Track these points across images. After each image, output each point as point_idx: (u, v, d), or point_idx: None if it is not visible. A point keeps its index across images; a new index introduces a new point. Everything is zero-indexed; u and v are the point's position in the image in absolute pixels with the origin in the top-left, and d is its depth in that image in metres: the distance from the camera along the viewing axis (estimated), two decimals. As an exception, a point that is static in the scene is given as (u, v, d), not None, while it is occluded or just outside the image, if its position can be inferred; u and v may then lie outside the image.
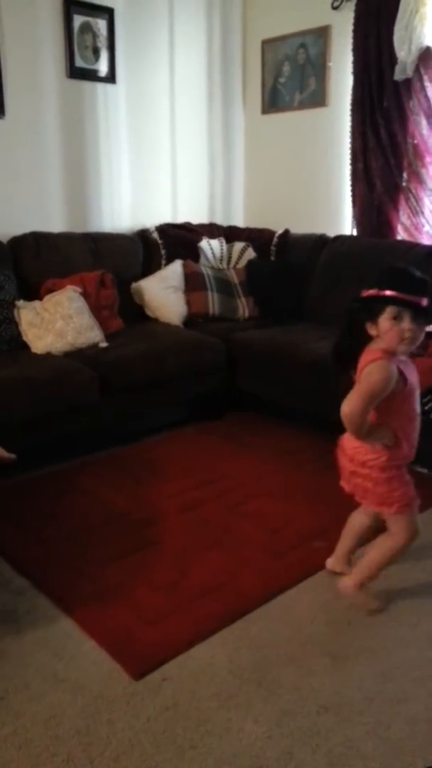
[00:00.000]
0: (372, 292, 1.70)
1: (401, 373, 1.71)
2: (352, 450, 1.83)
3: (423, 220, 3.36)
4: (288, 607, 1.91)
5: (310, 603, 1.94)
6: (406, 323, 1.65)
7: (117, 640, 1.76)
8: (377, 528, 1.96)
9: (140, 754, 1.43)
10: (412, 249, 3.25)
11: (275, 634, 1.81)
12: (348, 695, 1.60)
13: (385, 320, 1.67)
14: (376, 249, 3.37)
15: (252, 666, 1.69)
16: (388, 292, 1.66)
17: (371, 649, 1.75)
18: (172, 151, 3.97)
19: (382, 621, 1.86)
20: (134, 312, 3.51)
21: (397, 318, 1.66)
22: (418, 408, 1.80)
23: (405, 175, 3.38)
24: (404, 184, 3.39)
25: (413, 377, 1.77)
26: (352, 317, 1.75)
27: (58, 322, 2.96)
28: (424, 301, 1.66)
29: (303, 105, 3.86)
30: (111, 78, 3.59)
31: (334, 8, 3.53)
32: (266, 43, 3.96)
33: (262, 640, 1.78)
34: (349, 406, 1.70)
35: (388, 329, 1.67)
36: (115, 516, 2.40)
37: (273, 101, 4.03)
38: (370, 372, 1.69)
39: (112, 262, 3.44)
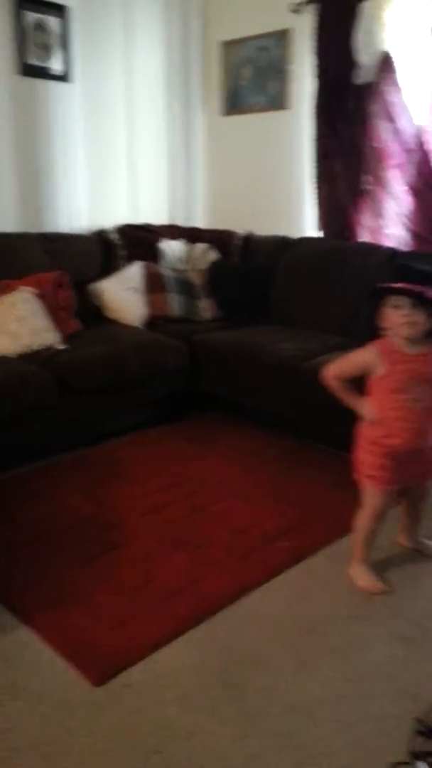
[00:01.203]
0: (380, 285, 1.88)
1: (387, 362, 1.88)
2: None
3: (385, 223, 3.39)
4: (253, 608, 1.89)
5: (275, 603, 1.91)
6: (404, 310, 1.82)
7: (78, 647, 1.71)
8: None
9: (103, 762, 1.39)
10: (375, 251, 3.28)
11: (241, 635, 1.78)
12: (315, 694, 1.58)
13: (387, 308, 1.86)
14: (338, 251, 3.39)
15: (217, 668, 1.66)
16: (386, 284, 1.86)
17: (338, 648, 1.74)
18: (131, 151, 3.93)
19: (349, 620, 1.85)
20: (93, 314, 3.45)
21: (396, 306, 1.84)
22: (414, 404, 1.88)
23: (367, 178, 3.41)
24: (366, 187, 3.42)
25: (412, 371, 1.86)
26: (370, 307, 1.92)
27: (12, 324, 2.88)
28: (421, 290, 1.79)
29: (264, 107, 3.87)
30: (66, 76, 3.54)
31: (294, 11, 3.55)
32: (227, 45, 3.97)
33: (228, 642, 1.75)
34: (324, 370, 2.04)
35: (389, 316, 1.86)
36: (79, 520, 2.34)
37: (234, 103, 4.03)
38: (355, 350, 1.99)
39: (70, 263, 3.37)
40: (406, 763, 1.39)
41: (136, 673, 1.63)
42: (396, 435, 1.91)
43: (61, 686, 1.59)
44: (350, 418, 2.00)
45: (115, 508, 2.43)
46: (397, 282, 1.85)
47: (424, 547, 2.18)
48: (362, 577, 2.00)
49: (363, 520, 2.02)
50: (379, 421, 1.93)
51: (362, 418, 1.98)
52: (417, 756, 1.40)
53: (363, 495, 2.01)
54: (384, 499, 1.98)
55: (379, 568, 2.07)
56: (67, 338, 3.04)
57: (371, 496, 1.99)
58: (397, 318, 1.83)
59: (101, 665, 1.65)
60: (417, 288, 1.81)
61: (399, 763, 1.39)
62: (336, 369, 2.01)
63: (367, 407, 1.95)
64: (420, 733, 1.47)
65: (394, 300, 1.84)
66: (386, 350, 1.89)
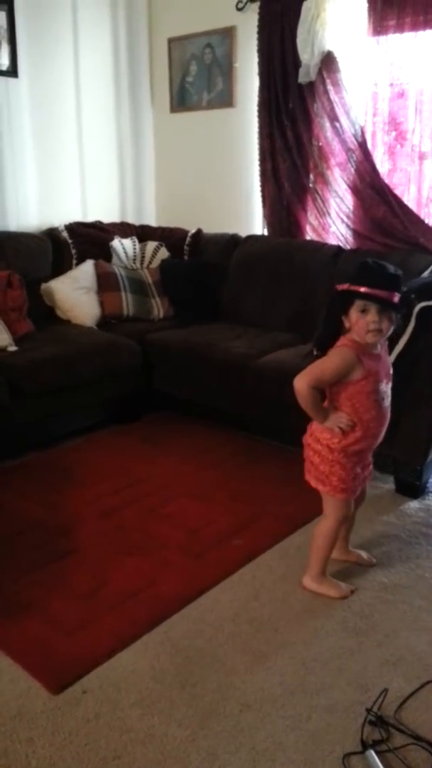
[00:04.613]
0: (344, 286, 1.79)
1: (364, 365, 1.81)
2: (314, 425, 1.93)
3: (329, 221, 3.45)
4: (209, 608, 1.92)
5: (230, 602, 1.95)
6: (371, 316, 1.76)
7: (34, 655, 1.71)
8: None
9: (62, 771, 1.40)
10: (321, 249, 3.34)
11: (197, 635, 1.81)
12: (270, 691, 1.62)
13: (353, 312, 1.78)
14: (287, 249, 3.44)
15: (174, 670, 1.68)
16: (353, 286, 1.77)
17: (291, 642, 1.79)
18: (80, 148, 3.88)
19: (300, 614, 1.90)
20: (45, 314, 3.41)
21: (364, 311, 1.77)
22: (383, 402, 1.88)
23: (311, 176, 3.46)
24: (311, 185, 3.47)
25: (379, 371, 1.85)
26: (330, 309, 1.84)
27: (-38, 326, 2.83)
28: (388, 296, 1.75)
29: (211, 105, 3.88)
30: (13, 72, 3.47)
31: (239, 9, 3.56)
32: (173, 42, 3.95)
33: (184, 643, 1.78)
34: (297, 381, 1.83)
35: (356, 321, 1.79)
36: (30, 526, 2.32)
37: (181, 100, 4.02)
38: (329, 355, 1.83)
39: (19, 263, 3.32)
40: (357, 753, 1.45)
41: (93, 679, 1.64)
42: (372, 437, 1.89)
43: (19, 696, 1.59)
44: (300, 413, 1.94)
45: (67, 512, 2.42)
46: (360, 280, 1.75)
47: (355, 557, 2.15)
48: (330, 589, 1.98)
49: (330, 533, 1.95)
50: (359, 427, 1.85)
51: (332, 431, 1.86)
52: (367, 745, 1.46)
53: (328, 508, 1.95)
54: (350, 506, 1.98)
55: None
56: (19, 340, 3.00)
57: (339, 506, 1.93)
58: (364, 324, 1.76)
59: (59, 673, 1.66)
60: (385, 294, 1.74)
61: (351, 753, 1.45)
62: (313, 378, 1.81)
63: (342, 417, 1.84)
64: (370, 722, 1.53)
65: (361, 304, 1.76)
66: (361, 352, 1.81)
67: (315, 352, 1.90)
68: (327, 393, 1.89)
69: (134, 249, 3.74)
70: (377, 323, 1.75)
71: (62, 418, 3.08)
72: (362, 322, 1.77)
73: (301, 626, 1.85)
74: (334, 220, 3.43)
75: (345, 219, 3.38)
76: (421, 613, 1.91)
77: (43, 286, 3.45)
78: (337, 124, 3.28)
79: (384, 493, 2.59)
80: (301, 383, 1.82)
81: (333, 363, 1.81)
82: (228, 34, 3.68)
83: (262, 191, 3.65)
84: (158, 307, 3.57)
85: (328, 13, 3.15)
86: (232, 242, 3.70)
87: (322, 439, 1.90)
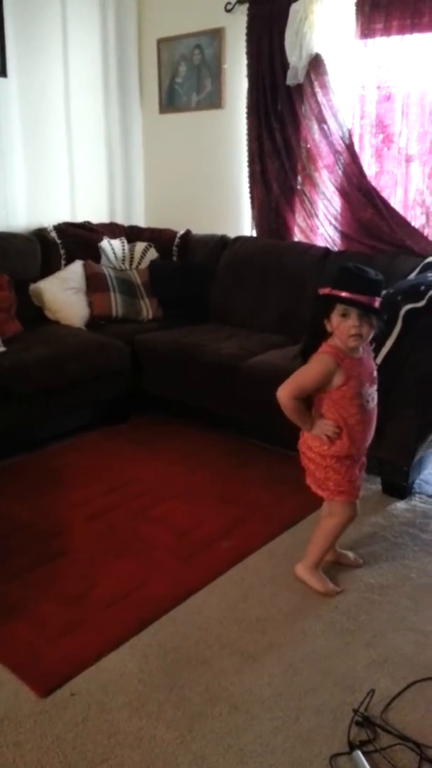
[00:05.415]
0: (326, 290, 1.80)
1: (344, 370, 1.82)
2: (305, 433, 1.95)
3: (317, 223, 3.47)
4: (197, 610, 1.93)
5: (218, 603, 1.96)
6: (352, 321, 1.77)
7: (22, 657, 1.70)
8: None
9: (49, 775, 1.40)
10: (309, 250, 3.35)
11: (185, 637, 1.81)
12: (258, 692, 1.63)
13: (335, 316, 1.80)
14: (275, 250, 3.45)
15: (162, 672, 1.69)
16: (334, 291, 1.78)
17: (279, 644, 1.80)
18: (69, 148, 3.87)
19: (288, 615, 1.91)
20: (33, 314, 3.40)
21: (344, 315, 1.78)
22: (367, 405, 1.89)
23: (299, 178, 3.47)
24: (299, 187, 3.48)
25: (361, 375, 1.86)
26: (312, 312, 1.85)
27: None
28: (369, 300, 1.76)
29: (200, 106, 3.88)
30: (1, 71, 3.45)
31: (228, 11, 3.57)
32: (162, 42, 3.95)
33: (172, 645, 1.78)
34: (279, 392, 1.84)
35: (337, 325, 1.80)
36: (17, 529, 2.31)
37: (170, 101, 4.02)
38: (309, 363, 1.85)
39: (8, 263, 3.31)
40: (344, 754, 1.46)
41: (81, 682, 1.64)
42: (360, 440, 1.90)
43: (6, 699, 1.59)
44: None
45: (55, 515, 2.42)
46: (341, 285, 1.76)
47: (342, 558, 2.17)
48: (318, 582, 2.01)
49: (333, 531, 1.99)
50: (345, 433, 1.86)
51: (320, 438, 1.88)
52: (354, 746, 1.47)
53: (334, 509, 1.97)
54: (356, 506, 1.99)
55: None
56: (7, 341, 2.99)
57: (344, 508, 1.95)
58: (345, 328, 1.77)
59: (47, 676, 1.65)
60: (365, 299, 1.75)
61: (338, 754, 1.46)
62: (294, 388, 1.83)
63: (327, 425, 1.86)
64: (357, 723, 1.54)
65: (342, 308, 1.77)
66: (340, 358, 1.82)
67: (298, 359, 1.91)
68: (313, 400, 1.90)
69: (123, 250, 3.73)
70: (358, 328, 1.76)
71: (51, 420, 3.07)
72: (343, 326, 1.78)
73: (288, 627, 1.86)
74: (321, 222, 3.45)
75: (333, 221, 3.40)
76: (408, 614, 1.92)
77: (32, 286, 3.44)
78: (325, 127, 3.29)
79: (371, 494, 2.60)
80: (283, 394, 1.84)
81: (312, 371, 1.83)
82: (217, 35, 3.68)
83: (251, 193, 3.66)
84: (147, 308, 3.56)
85: (316, 15, 3.16)
86: (221, 243, 3.71)
87: (313, 446, 1.92)
